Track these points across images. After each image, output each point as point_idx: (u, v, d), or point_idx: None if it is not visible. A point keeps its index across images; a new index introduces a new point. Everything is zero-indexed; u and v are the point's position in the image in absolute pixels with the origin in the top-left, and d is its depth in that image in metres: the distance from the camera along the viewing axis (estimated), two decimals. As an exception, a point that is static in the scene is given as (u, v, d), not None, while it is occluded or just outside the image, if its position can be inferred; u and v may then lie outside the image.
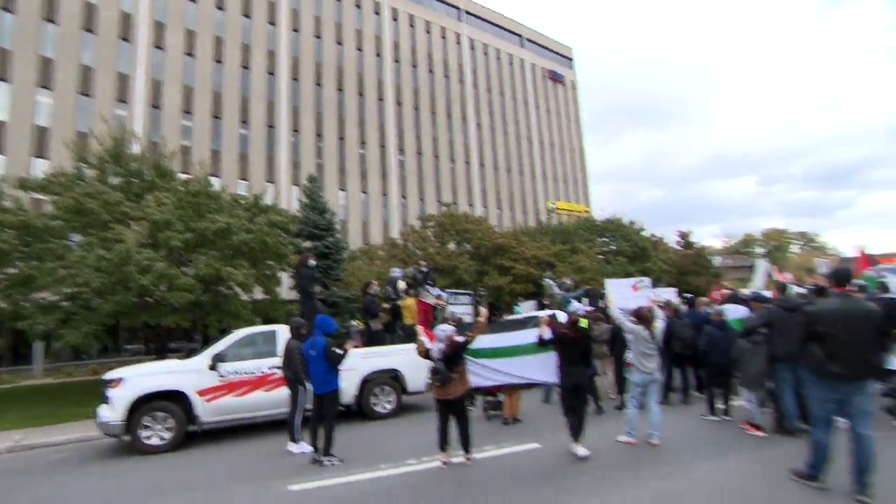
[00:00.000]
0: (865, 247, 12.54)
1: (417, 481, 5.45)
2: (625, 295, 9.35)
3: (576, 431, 5.73)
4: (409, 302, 10.65)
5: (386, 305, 11.09)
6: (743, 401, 6.37)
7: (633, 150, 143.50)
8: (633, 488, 4.72)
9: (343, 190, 32.20)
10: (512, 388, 7.53)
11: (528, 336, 6.32)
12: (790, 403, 5.94)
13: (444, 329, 6.03)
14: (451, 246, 24.46)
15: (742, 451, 5.64)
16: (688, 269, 33.11)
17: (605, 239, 31.10)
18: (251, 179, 28.24)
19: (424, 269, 11.08)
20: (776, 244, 62.65)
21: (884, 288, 8.11)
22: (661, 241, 37.75)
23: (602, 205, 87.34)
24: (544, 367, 6.33)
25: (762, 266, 14.12)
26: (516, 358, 6.39)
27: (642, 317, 6.13)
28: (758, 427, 6.13)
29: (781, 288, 6.38)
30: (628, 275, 28.65)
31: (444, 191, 36.77)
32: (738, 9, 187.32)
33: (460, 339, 5.93)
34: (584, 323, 5.86)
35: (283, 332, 8.22)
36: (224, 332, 9.61)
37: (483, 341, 6.41)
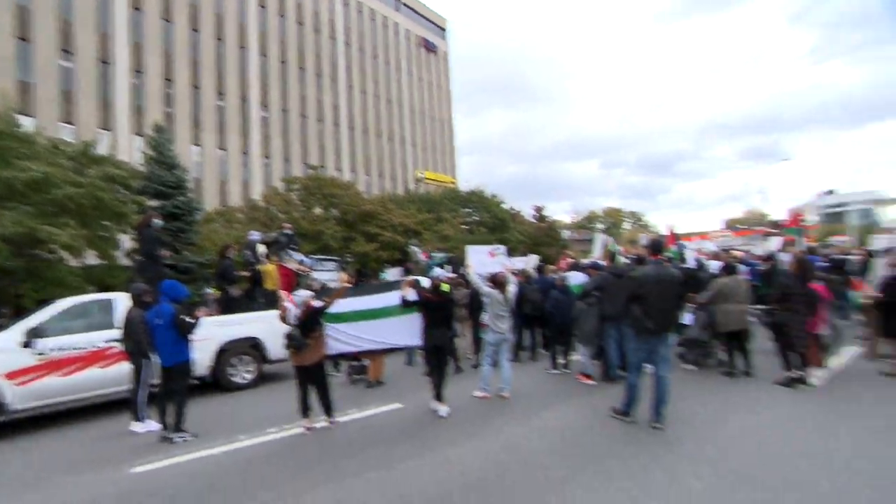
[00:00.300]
0: (674, 226, 15.19)
1: (278, 449, 5.36)
2: (482, 261, 9.96)
3: (438, 391, 6.08)
4: (269, 267, 10.12)
5: (244, 273, 10.41)
6: (579, 355, 7.33)
7: (498, 126, 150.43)
8: (486, 437, 5.21)
9: (197, 145, 28.82)
10: (376, 353, 7.68)
11: (392, 298, 6.44)
12: (614, 355, 7.01)
13: (301, 294, 5.97)
14: (318, 211, 23.61)
15: (577, 398, 6.51)
16: (541, 240, 36.24)
17: (468, 210, 32.54)
18: (79, 124, 23.79)
19: (288, 233, 10.54)
20: (613, 221, 71.49)
21: (682, 260, 10.02)
22: (518, 213, 40.66)
23: (467, 176, 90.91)
24: (408, 330, 6.51)
25: (600, 239, 16.07)
26: (380, 321, 6.48)
27: (497, 281, 6.64)
28: (589, 377, 7.13)
29: (611, 257, 7.37)
30: (488, 244, 30.67)
31: (311, 152, 35.01)
32: (595, 6, 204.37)
33: (317, 303, 5.88)
34: (445, 287, 6.16)
35: (121, 301, 7.29)
36: (43, 304, 8.18)
37: (346, 305, 6.38)
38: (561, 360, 8.06)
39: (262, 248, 10.25)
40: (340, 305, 6.33)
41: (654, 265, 5.12)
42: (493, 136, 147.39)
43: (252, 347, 8.70)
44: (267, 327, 8.44)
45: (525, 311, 8.90)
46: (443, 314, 6.11)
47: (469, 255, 9.75)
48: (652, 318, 4.89)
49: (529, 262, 18.00)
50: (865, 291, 7.69)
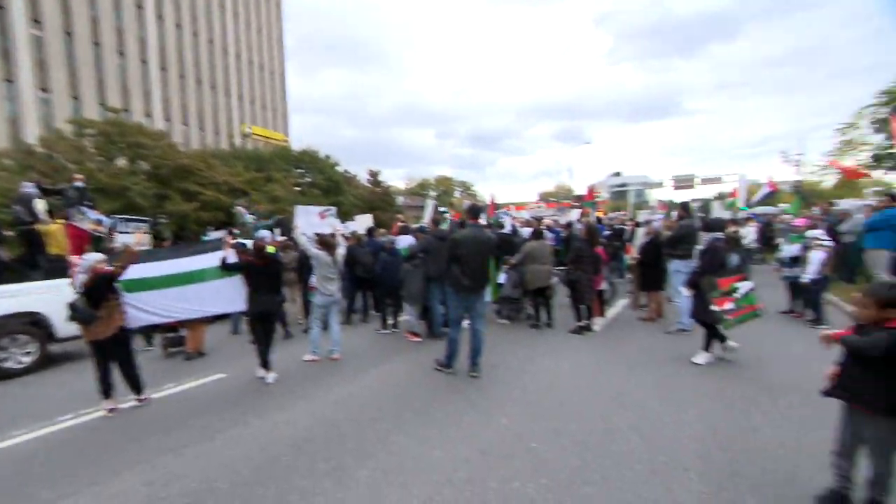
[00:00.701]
0: (494, 196, 16.76)
1: (73, 436, 4.69)
2: (311, 222, 9.68)
3: (264, 358, 5.90)
4: (53, 227, 8.45)
5: (10, 232, 8.52)
6: (406, 315, 7.74)
7: (335, 87, 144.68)
8: (315, 398, 5.27)
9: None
10: (193, 322, 7.10)
11: (209, 260, 5.97)
12: (438, 313, 7.59)
13: (88, 258, 5.18)
14: (121, 163, 20.17)
15: (405, 354, 6.91)
16: (376, 204, 36.46)
17: (301, 170, 31.07)
18: None
19: (79, 186, 8.82)
20: (444, 189, 74.95)
21: (500, 226, 11.18)
22: (354, 177, 40.19)
23: (301, 136, 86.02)
24: (228, 295, 6.14)
25: (430, 205, 16.87)
26: (196, 285, 5.95)
27: (326, 243, 6.61)
28: (416, 335, 7.61)
29: (436, 221, 7.87)
30: (320, 206, 29.81)
31: (111, 92, 29.34)
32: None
33: (107, 268, 5.15)
34: (271, 249, 5.94)
35: None
36: None
37: (152, 269, 5.73)
38: (390, 321, 8.43)
39: (40, 204, 8.46)
40: (144, 270, 5.67)
41: (471, 228, 5.63)
42: (330, 98, 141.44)
43: (31, 324, 7.27)
44: (52, 299, 7.14)
45: (356, 273, 9.05)
46: (268, 278, 5.89)
47: (297, 215, 9.37)
48: (468, 277, 5.43)
49: (361, 224, 18.12)
50: (632, 254, 9.55)
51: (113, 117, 20.59)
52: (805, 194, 23.36)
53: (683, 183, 57.02)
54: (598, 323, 8.04)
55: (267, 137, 41.60)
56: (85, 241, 8.77)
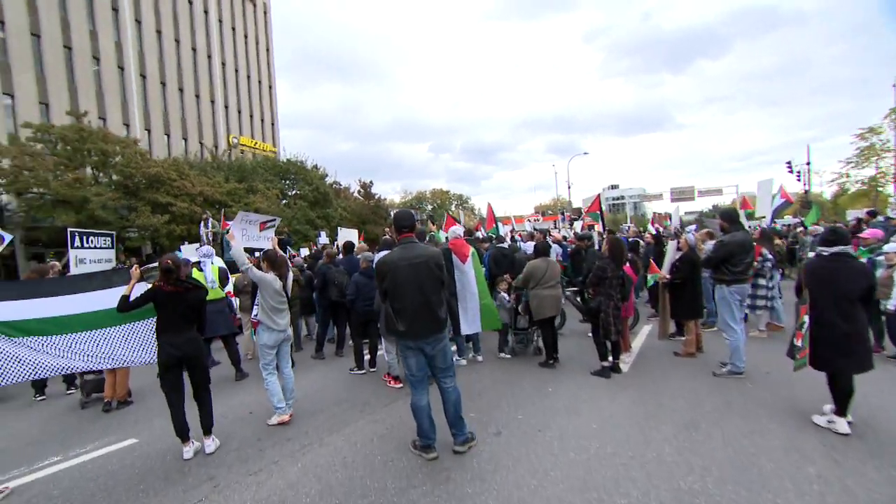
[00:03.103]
0: (492, 205, 15.27)
1: None
2: (250, 233, 7.48)
3: (180, 426, 4.28)
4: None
5: None
6: (384, 352, 6.14)
7: (329, 101, 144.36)
8: (246, 484, 3.66)
9: None
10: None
11: (107, 299, 4.38)
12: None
13: None
14: (88, 172, 18.57)
15: (379, 409, 5.31)
16: (367, 217, 34.98)
17: (287, 181, 29.55)
18: None
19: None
20: (440, 202, 73.59)
21: (500, 239, 9.75)
22: (345, 189, 38.72)
23: (294, 150, 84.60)
24: (140, 340, 4.57)
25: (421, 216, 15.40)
26: (92, 333, 4.35)
27: (272, 262, 5.01)
28: (396, 379, 5.99)
29: (421, 234, 6.29)
30: (309, 221, 28.16)
31: (84, 99, 27.64)
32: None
33: None
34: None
35: None
36: None
37: (24, 310, 4.14)
38: (368, 356, 6.85)
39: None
40: (18, 310, 4.10)
41: (402, 248, 3.88)
42: (325, 112, 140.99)
43: None
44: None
45: (332, 296, 7.50)
46: (182, 310, 4.30)
47: (233, 224, 7.03)
48: (404, 318, 3.75)
49: (344, 239, 16.59)
50: (654, 273, 8.04)
51: (75, 123, 18.93)
52: (819, 205, 22.03)
53: (682, 195, 56.16)
54: (625, 359, 6.49)
55: (255, 149, 40.07)
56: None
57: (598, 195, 14.27)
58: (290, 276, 5.09)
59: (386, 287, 3.78)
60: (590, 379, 5.93)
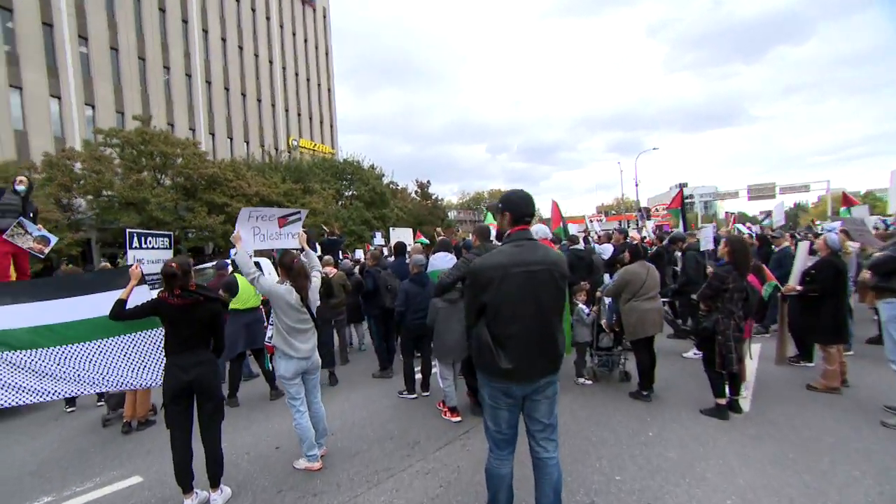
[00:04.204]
0: (558, 203, 13.86)
1: None
2: (265, 231, 5.31)
3: (183, 473, 3.41)
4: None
5: None
6: (439, 377, 5.04)
7: (388, 106, 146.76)
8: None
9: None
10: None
11: (100, 305, 3.60)
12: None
13: None
14: (149, 174, 18.91)
15: (431, 453, 4.23)
16: (424, 217, 34.30)
17: (344, 182, 29.33)
18: None
19: (20, 189, 6.74)
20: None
21: (572, 240, 8.52)
22: (402, 190, 38.29)
23: (353, 153, 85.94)
24: (140, 359, 3.77)
25: (490, 214, 14.28)
26: (85, 345, 3.61)
27: (288, 268, 3.91)
28: (454, 411, 4.87)
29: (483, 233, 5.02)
30: (364, 222, 27.74)
31: (155, 106, 28.80)
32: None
33: None
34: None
35: None
36: None
37: (13, 316, 3.43)
38: (419, 376, 5.80)
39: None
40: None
41: (513, 246, 2.61)
42: (383, 117, 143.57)
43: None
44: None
45: (384, 303, 6.56)
46: (192, 327, 3.42)
47: (239, 221, 5.03)
48: (513, 350, 2.51)
49: (399, 238, 15.60)
50: (771, 281, 6.46)
51: (139, 126, 19.35)
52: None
53: (761, 192, 51.57)
54: (743, 393, 5.06)
55: (314, 151, 40.53)
56: (23, 262, 6.76)
57: (681, 190, 12.53)
58: (315, 284, 4.07)
59: (485, 302, 2.54)
60: (700, 418, 4.57)
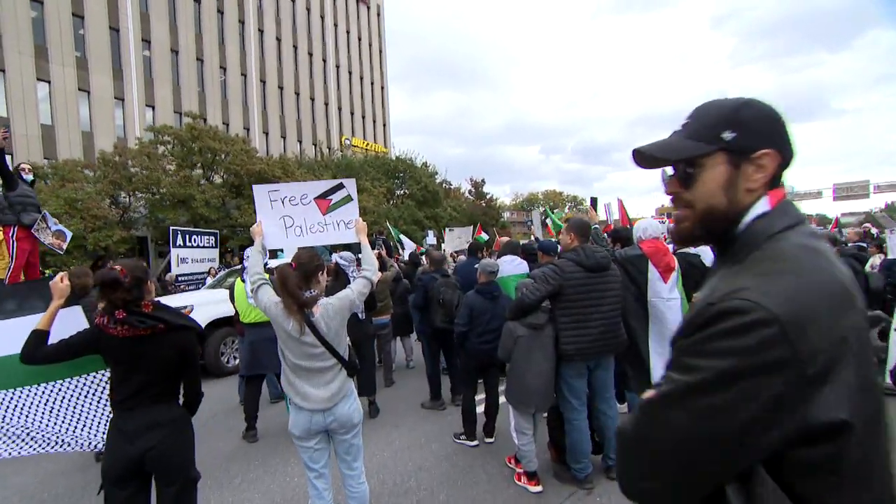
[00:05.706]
0: (623, 201, 12.15)
1: None
2: (303, 219, 3.36)
3: None
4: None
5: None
6: (514, 427, 3.64)
7: (441, 107, 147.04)
8: None
9: (44, 80, 22.48)
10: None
11: (12, 336, 2.45)
12: (580, 429, 3.38)
13: None
14: (198, 171, 18.68)
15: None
16: (478, 217, 32.95)
17: (396, 180, 28.47)
18: None
19: (27, 179, 6.00)
20: (553, 204, 69.87)
21: None
22: (455, 189, 37.11)
23: (406, 153, 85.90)
24: (85, 405, 2.63)
25: (537, 214, 12.80)
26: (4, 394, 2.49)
27: (283, 276, 2.51)
28: (534, 478, 3.44)
29: (584, 233, 3.63)
30: (416, 221, 26.74)
31: (213, 107, 29.18)
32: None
33: None
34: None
35: None
36: None
37: None
38: (482, 421, 4.43)
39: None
40: None
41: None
42: (436, 118, 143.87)
43: None
44: None
45: (436, 323, 5.27)
46: (148, 371, 2.23)
47: (259, 209, 3.32)
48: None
49: (454, 241, 14.08)
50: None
51: (189, 123, 19.19)
52: None
53: (851, 192, 46.33)
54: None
55: (366, 150, 40.16)
56: (36, 257, 5.98)
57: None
58: (348, 300, 2.63)
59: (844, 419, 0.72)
60: None
